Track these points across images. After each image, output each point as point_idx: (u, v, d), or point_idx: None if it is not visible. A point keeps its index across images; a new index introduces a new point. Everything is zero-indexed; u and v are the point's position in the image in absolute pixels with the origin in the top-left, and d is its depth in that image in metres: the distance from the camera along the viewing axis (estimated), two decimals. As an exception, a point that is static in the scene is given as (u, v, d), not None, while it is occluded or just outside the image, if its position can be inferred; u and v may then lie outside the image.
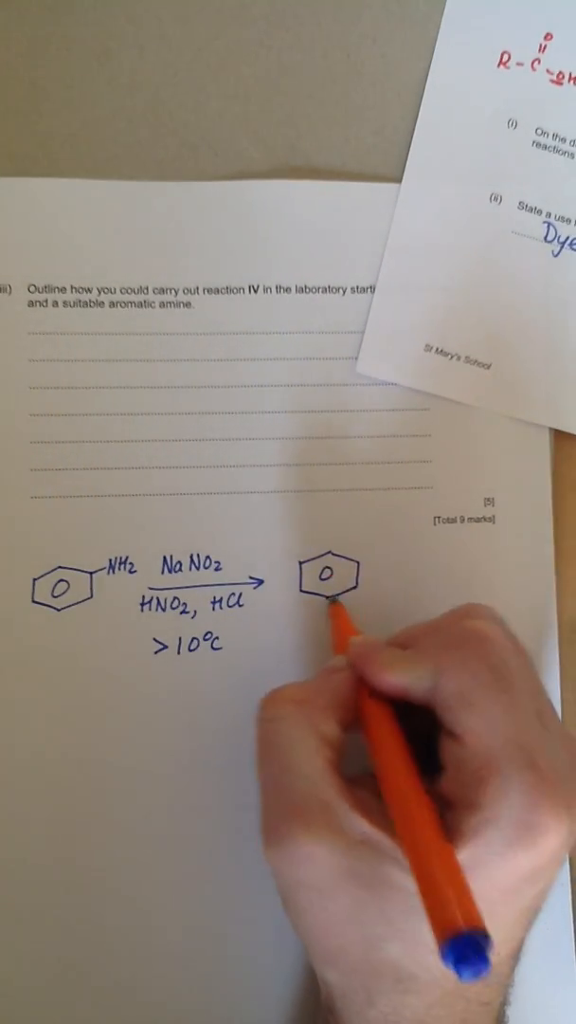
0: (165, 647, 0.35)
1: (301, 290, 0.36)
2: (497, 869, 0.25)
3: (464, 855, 0.25)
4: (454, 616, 0.30)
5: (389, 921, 0.26)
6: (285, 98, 0.37)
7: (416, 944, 0.26)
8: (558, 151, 0.37)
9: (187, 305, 0.36)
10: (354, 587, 0.36)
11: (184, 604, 0.35)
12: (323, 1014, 0.29)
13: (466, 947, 0.22)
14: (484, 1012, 0.28)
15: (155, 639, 0.35)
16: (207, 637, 0.35)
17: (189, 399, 0.36)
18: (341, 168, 0.37)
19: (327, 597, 0.35)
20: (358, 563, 0.36)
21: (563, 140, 0.37)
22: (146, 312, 0.36)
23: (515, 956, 0.28)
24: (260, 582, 0.35)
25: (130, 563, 0.35)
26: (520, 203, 0.37)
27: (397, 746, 0.28)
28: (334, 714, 0.29)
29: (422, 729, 0.28)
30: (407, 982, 0.26)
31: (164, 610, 0.35)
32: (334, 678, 0.30)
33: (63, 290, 0.36)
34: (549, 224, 0.37)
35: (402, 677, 0.28)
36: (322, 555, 0.36)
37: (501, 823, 0.25)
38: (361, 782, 0.28)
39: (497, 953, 0.26)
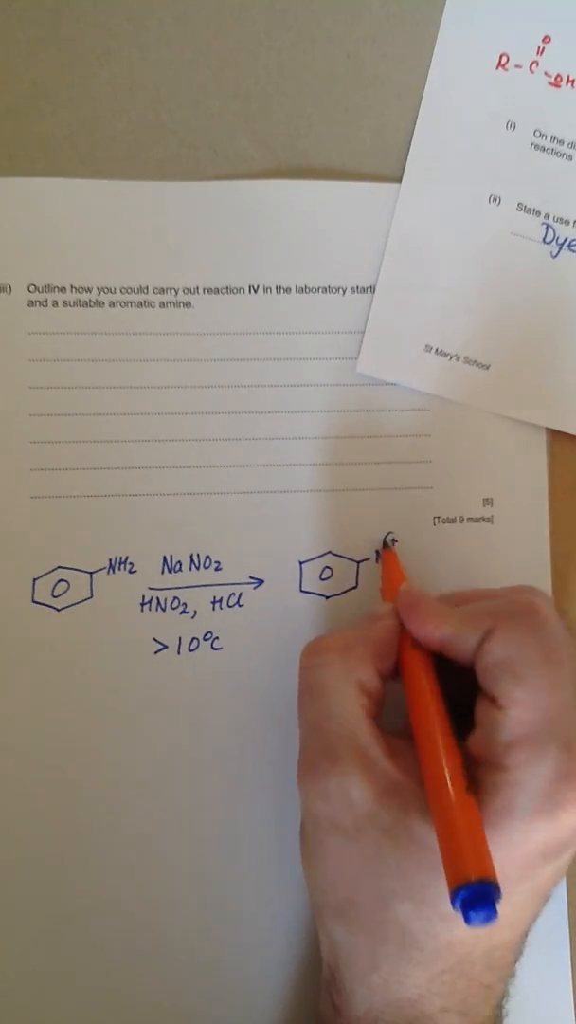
0: (165, 647, 0.35)
1: (301, 290, 0.36)
2: (516, 834, 0.26)
3: (486, 813, 0.26)
4: (512, 590, 0.31)
5: (404, 875, 0.26)
6: (285, 98, 0.37)
7: (425, 905, 0.26)
8: (556, 153, 0.37)
9: (187, 305, 0.36)
10: (354, 587, 0.36)
11: (184, 604, 0.35)
12: (324, 993, 0.30)
13: (476, 895, 0.23)
14: (485, 996, 0.28)
15: (155, 639, 0.35)
16: (207, 637, 0.35)
17: (189, 399, 0.36)
18: (341, 168, 0.37)
19: (384, 542, 0.36)
20: (358, 563, 0.36)
21: (561, 142, 0.37)
22: (146, 312, 0.36)
23: (521, 942, 0.29)
24: (260, 582, 0.35)
25: (130, 563, 0.35)
26: (519, 204, 0.37)
27: (433, 697, 0.28)
28: (374, 663, 0.29)
29: (456, 689, 0.29)
30: (411, 949, 0.27)
31: (164, 610, 0.35)
32: (376, 626, 0.30)
33: (63, 290, 0.36)
34: (548, 225, 0.37)
35: (447, 631, 0.29)
36: (322, 555, 0.36)
37: (526, 788, 0.26)
38: (398, 733, 0.29)
39: (511, 925, 0.27)
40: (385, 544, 0.36)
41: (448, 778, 0.26)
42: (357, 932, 0.27)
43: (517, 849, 0.26)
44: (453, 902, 0.23)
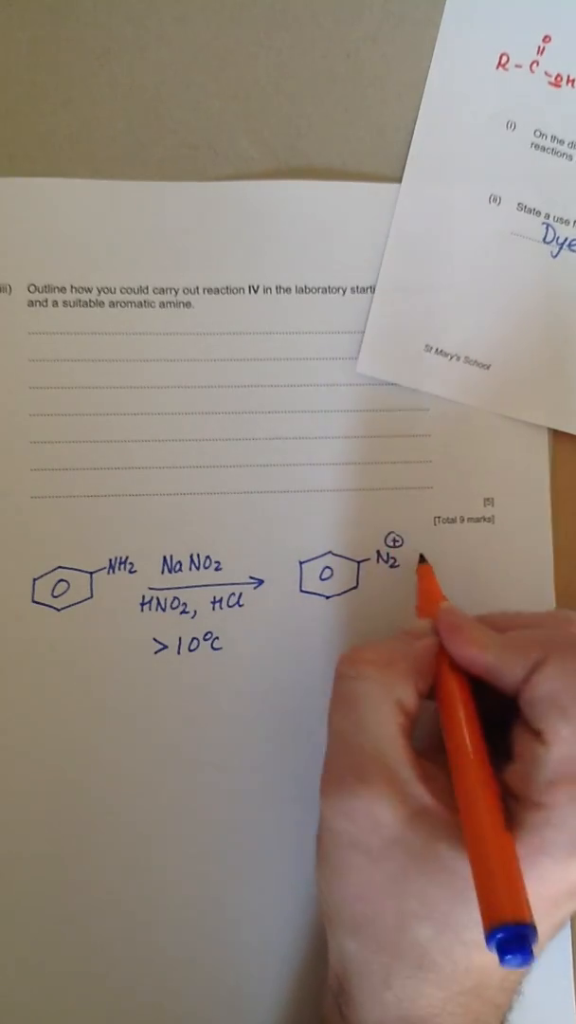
0: (165, 647, 0.35)
1: (301, 290, 0.36)
2: (550, 874, 0.25)
3: (520, 849, 0.25)
4: (556, 618, 0.30)
5: (427, 900, 0.26)
6: (285, 98, 0.37)
7: (448, 930, 0.26)
8: (556, 153, 0.37)
9: (187, 305, 0.36)
10: (354, 587, 0.36)
11: (184, 604, 0.35)
12: (330, 999, 0.29)
13: (513, 937, 0.23)
14: (496, 1013, 0.28)
15: (155, 639, 0.35)
16: (207, 637, 0.35)
17: (189, 399, 0.36)
18: (341, 168, 0.37)
19: (421, 556, 0.35)
20: (358, 563, 0.36)
21: (561, 142, 0.37)
22: (146, 312, 0.36)
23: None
24: (260, 582, 0.35)
25: (130, 563, 0.35)
26: (519, 204, 0.37)
27: (471, 725, 0.28)
28: (412, 681, 0.28)
29: (489, 709, 0.29)
30: (429, 970, 0.26)
31: (164, 610, 0.35)
32: (417, 645, 0.30)
33: (63, 290, 0.36)
34: (548, 225, 0.37)
35: (492, 659, 0.28)
36: (322, 555, 0.36)
37: (565, 829, 0.25)
38: (431, 754, 0.28)
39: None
40: (421, 559, 0.35)
41: (486, 814, 0.25)
42: (372, 949, 0.27)
43: (549, 888, 0.25)
44: (488, 942, 0.23)
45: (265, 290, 0.36)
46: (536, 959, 0.23)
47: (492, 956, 0.23)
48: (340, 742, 0.28)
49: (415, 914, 0.26)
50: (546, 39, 0.37)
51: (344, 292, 0.36)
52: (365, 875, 0.26)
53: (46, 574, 0.35)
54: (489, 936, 0.23)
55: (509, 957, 0.23)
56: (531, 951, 0.23)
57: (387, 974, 0.27)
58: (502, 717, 0.29)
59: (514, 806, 0.26)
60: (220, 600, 0.35)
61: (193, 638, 0.35)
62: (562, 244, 0.37)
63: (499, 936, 0.23)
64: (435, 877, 0.26)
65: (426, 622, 0.31)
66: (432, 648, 0.30)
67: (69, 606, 0.35)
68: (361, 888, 0.27)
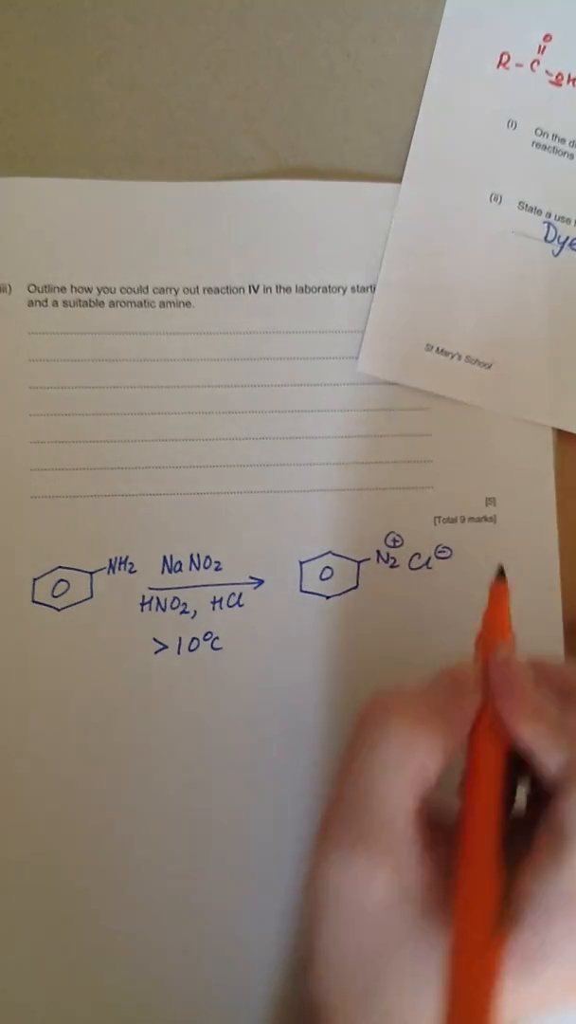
0: (165, 647, 0.35)
1: (301, 290, 0.36)
2: (545, 977, 0.24)
3: (522, 950, 0.24)
4: None
5: (401, 976, 0.25)
6: (285, 98, 0.37)
7: (415, 1008, 0.25)
8: (557, 152, 0.37)
9: (187, 305, 0.36)
10: (355, 587, 0.36)
11: (184, 604, 0.35)
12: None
13: None
14: None
15: (155, 639, 0.35)
16: (207, 637, 0.35)
17: (189, 399, 0.36)
18: (341, 168, 0.37)
19: (499, 570, 0.30)
20: (359, 563, 0.36)
21: (562, 141, 0.37)
22: (146, 312, 0.36)
23: None
24: (260, 582, 0.35)
25: (130, 563, 0.35)
26: (520, 203, 0.37)
27: (490, 812, 0.26)
28: (442, 744, 0.26)
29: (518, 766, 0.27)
30: None
31: (164, 610, 0.35)
32: (459, 703, 0.27)
33: (63, 290, 0.36)
34: (549, 224, 0.37)
35: (536, 738, 0.26)
36: (322, 555, 0.36)
37: (554, 962, 0.24)
38: (444, 822, 0.26)
39: None
40: (500, 573, 0.30)
41: (476, 928, 0.24)
42: (343, 1002, 0.26)
43: (542, 991, 0.24)
44: None
45: (265, 290, 0.36)
46: None
47: None
48: (349, 796, 0.26)
49: (385, 987, 0.25)
50: (547, 38, 0.37)
51: (344, 292, 0.36)
52: (344, 939, 0.25)
53: (46, 574, 0.35)
54: None
55: None
56: None
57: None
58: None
59: (519, 905, 0.24)
60: (220, 600, 0.35)
61: (193, 638, 0.35)
62: (564, 243, 0.37)
63: None
64: (413, 957, 0.25)
65: (474, 669, 0.27)
66: (476, 707, 0.27)
67: (69, 606, 0.35)
68: (338, 950, 0.26)
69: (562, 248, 0.37)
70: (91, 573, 0.35)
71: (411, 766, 0.25)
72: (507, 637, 0.28)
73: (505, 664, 0.27)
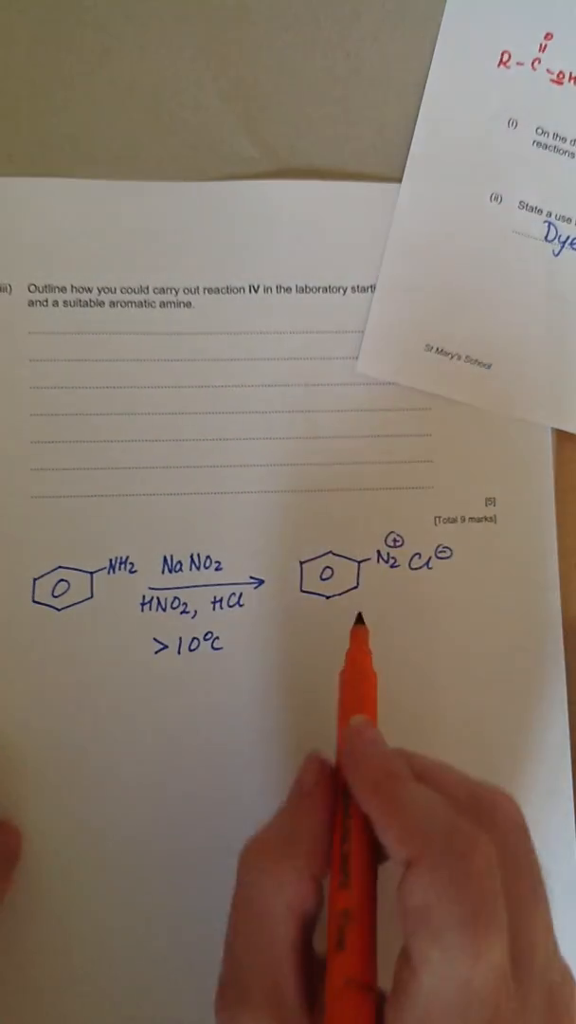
0: (165, 647, 0.35)
1: (301, 290, 0.36)
2: None
3: None
4: (473, 798, 0.26)
5: None
6: (285, 98, 0.37)
7: None
8: (559, 151, 0.37)
9: (187, 305, 0.36)
10: (354, 587, 0.36)
11: (184, 604, 0.35)
12: None
13: None
14: None
15: (155, 639, 0.35)
16: (207, 637, 0.35)
17: (189, 399, 0.36)
18: (341, 168, 0.37)
19: (358, 618, 0.32)
20: (359, 563, 0.36)
21: (563, 140, 0.37)
22: (146, 312, 0.36)
23: None
24: (260, 582, 0.35)
25: (130, 563, 0.35)
26: (520, 203, 0.37)
27: (359, 943, 0.24)
28: (308, 869, 0.25)
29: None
30: None
31: (164, 610, 0.35)
32: (310, 818, 0.26)
33: (63, 290, 0.36)
34: (550, 224, 0.37)
35: (382, 834, 0.24)
36: (322, 555, 0.36)
37: None
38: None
39: None
40: (358, 620, 0.31)
41: None
42: None
43: None
44: None
45: (265, 290, 0.36)
46: None
47: None
48: (231, 955, 0.26)
49: None
50: (548, 36, 0.37)
51: (344, 292, 0.36)
52: None
53: (46, 574, 0.35)
54: None
55: None
56: None
57: None
58: None
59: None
60: (220, 600, 0.35)
61: (193, 638, 0.35)
62: (564, 242, 0.37)
63: None
64: None
65: (317, 760, 0.27)
66: (327, 807, 0.26)
67: (69, 606, 0.35)
68: None
69: (563, 248, 0.37)
70: (91, 573, 0.35)
71: (279, 906, 0.25)
72: (371, 681, 0.29)
73: (358, 734, 0.27)
